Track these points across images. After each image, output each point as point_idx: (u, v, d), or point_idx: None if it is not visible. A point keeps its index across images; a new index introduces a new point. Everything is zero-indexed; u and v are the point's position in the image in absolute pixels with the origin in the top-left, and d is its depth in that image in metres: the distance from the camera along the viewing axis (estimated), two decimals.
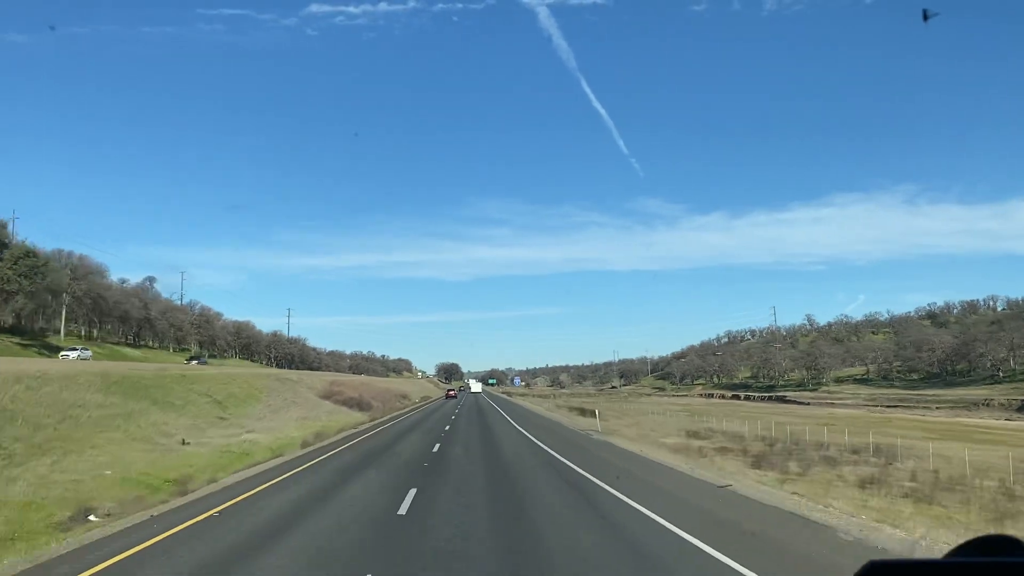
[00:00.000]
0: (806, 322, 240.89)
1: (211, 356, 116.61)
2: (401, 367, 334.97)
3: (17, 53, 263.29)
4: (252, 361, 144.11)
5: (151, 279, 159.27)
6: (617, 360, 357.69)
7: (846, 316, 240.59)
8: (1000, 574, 0.98)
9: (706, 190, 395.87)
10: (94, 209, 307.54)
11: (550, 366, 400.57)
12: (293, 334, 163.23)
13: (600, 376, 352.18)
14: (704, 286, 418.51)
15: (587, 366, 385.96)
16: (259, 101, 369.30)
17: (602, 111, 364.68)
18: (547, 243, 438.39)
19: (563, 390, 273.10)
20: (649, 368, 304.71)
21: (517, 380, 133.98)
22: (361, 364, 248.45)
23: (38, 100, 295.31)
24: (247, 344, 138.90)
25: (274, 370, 78.34)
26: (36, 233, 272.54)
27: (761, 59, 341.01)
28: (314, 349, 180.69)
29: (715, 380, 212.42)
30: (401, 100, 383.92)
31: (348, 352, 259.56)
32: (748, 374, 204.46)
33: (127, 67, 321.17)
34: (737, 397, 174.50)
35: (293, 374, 77.75)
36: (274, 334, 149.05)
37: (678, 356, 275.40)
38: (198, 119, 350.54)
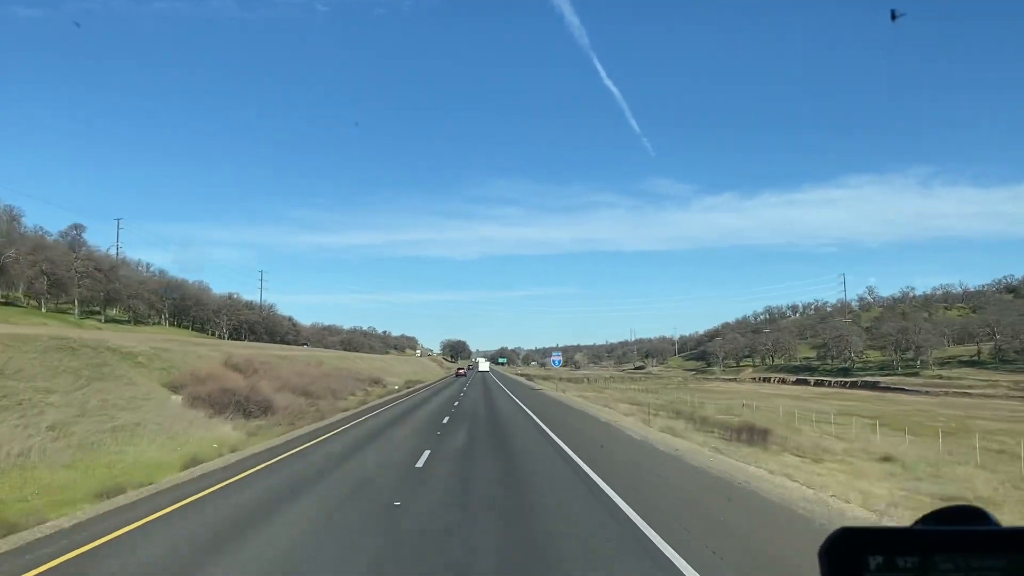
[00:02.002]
0: (866, 295, 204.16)
1: (111, 321, 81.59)
2: (404, 344, 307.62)
3: (26, 27, 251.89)
4: (197, 331, 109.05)
5: (78, 227, 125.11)
6: (634, 339, 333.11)
7: (910, 288, 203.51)
8: (965, 542, 1.00)
9: (717, 170, 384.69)
10: (99, 185, 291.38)
11: (560, 346, 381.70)
12: (297, 311, 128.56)
13: (617, 356, 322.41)
14: (714, 267, 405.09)
15: (602, 346, 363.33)
16: (269, 77, 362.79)
17: (614, 89, 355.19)
18: (557, 223, 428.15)
19: (580, 371, 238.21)
20: (676, 348, 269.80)
21: (557, 358, 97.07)
22: (356, 340, 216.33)
23: (47, 74, 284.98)
24: (185, 308, 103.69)
25: (76, 331, 42.72)
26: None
27: (774, 38, 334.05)
28: (289, 319, 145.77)
29: (767, 361, 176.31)
30: (411, 77, 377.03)
31: (346, 327, 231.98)
32: (808, 354, 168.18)
33: (136, 42, 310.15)
34: (804, 382, 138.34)
35: (150, 343, 42.08)
36: (228, 297, 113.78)
37: (712, 334, 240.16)
38: (206, 95, 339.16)
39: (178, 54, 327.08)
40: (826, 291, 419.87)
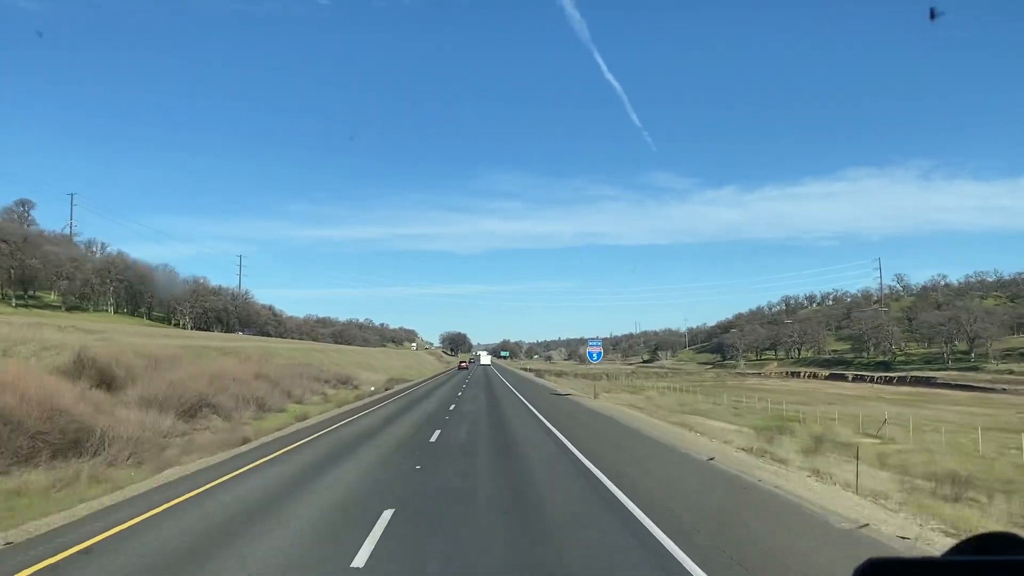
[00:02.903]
0: (896, 284, 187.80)
1: (31, 306, 65.66)
2: (403, 337, 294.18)
3: (25, 20, 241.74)
4: (157, 320, 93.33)
5: (24, 203, 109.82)
6: (639, 332, 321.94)
7: (942, 276, 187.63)
8: (1001, 572, 0.90)
9: (718, 164, 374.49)
10: (97, 181, 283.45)
11: (562, 339, 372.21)
12: (299, 306, 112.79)
13: (623, 349, 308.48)
14: (716, 260, 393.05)
15: (606, 339, 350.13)
16: (269, 71, 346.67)
17: (615, 83, 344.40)
18: (558, 216, 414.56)
19: (582, 364, 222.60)
20: (687, 340, 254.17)
21: (595, 350, 48.62)
22: (349, 332, 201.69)
23: (44, 67, 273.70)
24: (138, 294, 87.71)
25: None
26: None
27: (775, 31, 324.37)
28: (269, 308, 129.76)
29: (792, 354, 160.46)
30: (411, 71, 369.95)
31: (343, 320, 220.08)
32: (835, 346, 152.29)
33: (134, 35, 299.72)
34: (840, 377, 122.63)
35: None
36: (193, 282, 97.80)
37: (725, 325, 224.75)
38: (206, 89, 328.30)
39: (178, 48, 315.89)
40: (829, 282, 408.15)
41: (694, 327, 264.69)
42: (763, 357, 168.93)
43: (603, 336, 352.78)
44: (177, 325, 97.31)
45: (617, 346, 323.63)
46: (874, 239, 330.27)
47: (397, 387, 49.43)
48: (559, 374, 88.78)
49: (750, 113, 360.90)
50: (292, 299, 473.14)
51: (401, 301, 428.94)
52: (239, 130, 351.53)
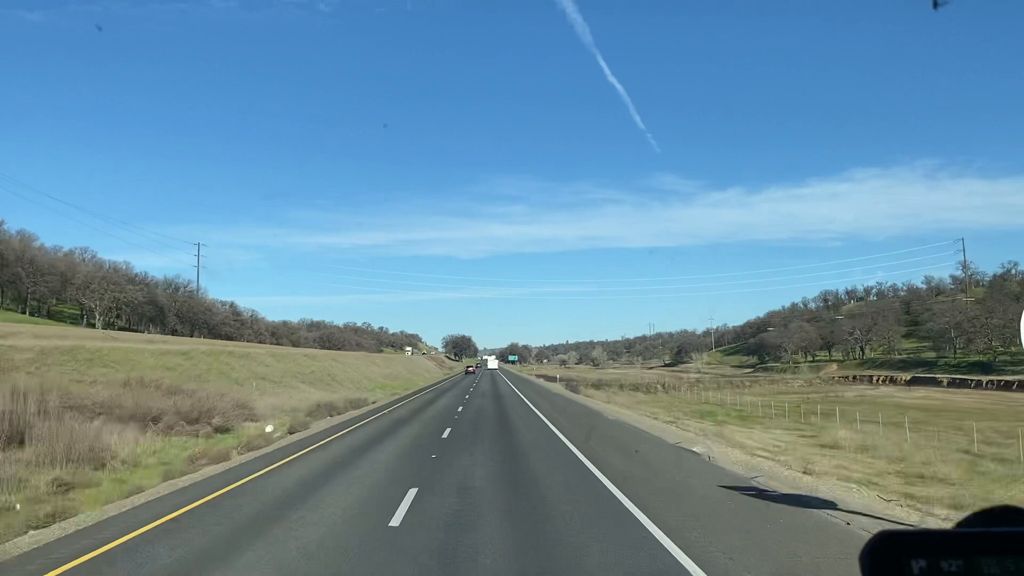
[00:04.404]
0: (960, 274, 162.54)
1: None
2: (404, 341, 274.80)
3: (28, 31, 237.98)
4: (50, 318, 69.28)
5: None
6: (653, 333, 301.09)
7: (1013, 263, 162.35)
8: (1012, 544, 0.91)
9: (723, 166, 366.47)
10: (102, 189, 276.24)
11: (571, 342, 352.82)
12: (302, 312, 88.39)
13: (638, 351, 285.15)
14: (724, 261, 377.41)
15: (619, 341, 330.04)
16: (271, 79, 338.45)
17: (618, 86, 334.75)
18: (562, 220, 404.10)
19: (609, 369, 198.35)
20: (713, 340, 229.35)
21: None
22: (342, 336, 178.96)
23: (49, 78, 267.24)
24: (17, 277, 63.45)
25: None
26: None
27: (779, 32, 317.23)
28: (231, 306, 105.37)
29: (853, 355, 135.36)
30: (413, 75, 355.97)
31: (341, 324, 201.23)
32: (907, 344, 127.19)
33: (136, 45, 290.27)
34: (931, 382, 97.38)
35: None
36: (112, 269, 73.59)
37: (757, 325, 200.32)
38: (209, 98, 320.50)
39: (177, 56, 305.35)
40: (832, 281, 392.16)
41: (715, 327, 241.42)
42: (816, 358, 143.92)
43: (615, 339, 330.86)
44: (92, 325, 73.23)
45: (631, 348, 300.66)
46: (879, 239, 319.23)
47: (316, 427, 24.52)
48: (596, 385, 62.76)
49: (754, 114, 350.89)
50: (295, 306, 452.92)
51: (405, 306, 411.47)
52: (236, 138, 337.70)
